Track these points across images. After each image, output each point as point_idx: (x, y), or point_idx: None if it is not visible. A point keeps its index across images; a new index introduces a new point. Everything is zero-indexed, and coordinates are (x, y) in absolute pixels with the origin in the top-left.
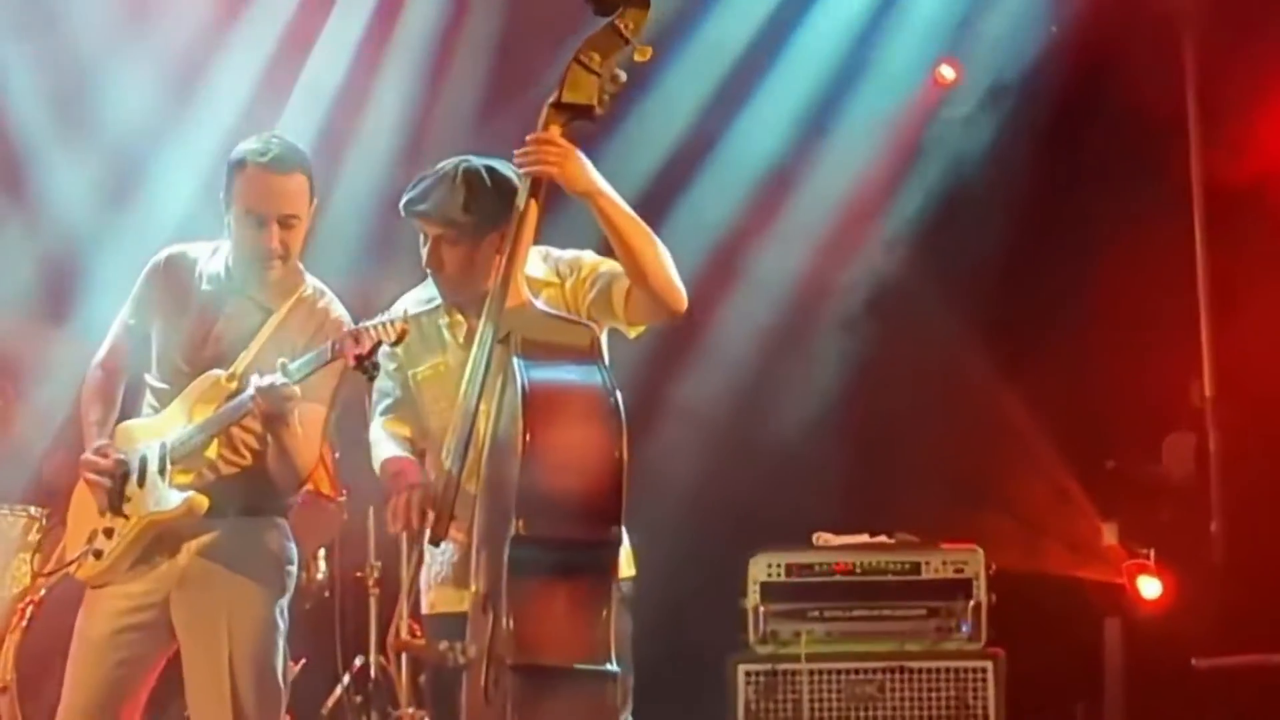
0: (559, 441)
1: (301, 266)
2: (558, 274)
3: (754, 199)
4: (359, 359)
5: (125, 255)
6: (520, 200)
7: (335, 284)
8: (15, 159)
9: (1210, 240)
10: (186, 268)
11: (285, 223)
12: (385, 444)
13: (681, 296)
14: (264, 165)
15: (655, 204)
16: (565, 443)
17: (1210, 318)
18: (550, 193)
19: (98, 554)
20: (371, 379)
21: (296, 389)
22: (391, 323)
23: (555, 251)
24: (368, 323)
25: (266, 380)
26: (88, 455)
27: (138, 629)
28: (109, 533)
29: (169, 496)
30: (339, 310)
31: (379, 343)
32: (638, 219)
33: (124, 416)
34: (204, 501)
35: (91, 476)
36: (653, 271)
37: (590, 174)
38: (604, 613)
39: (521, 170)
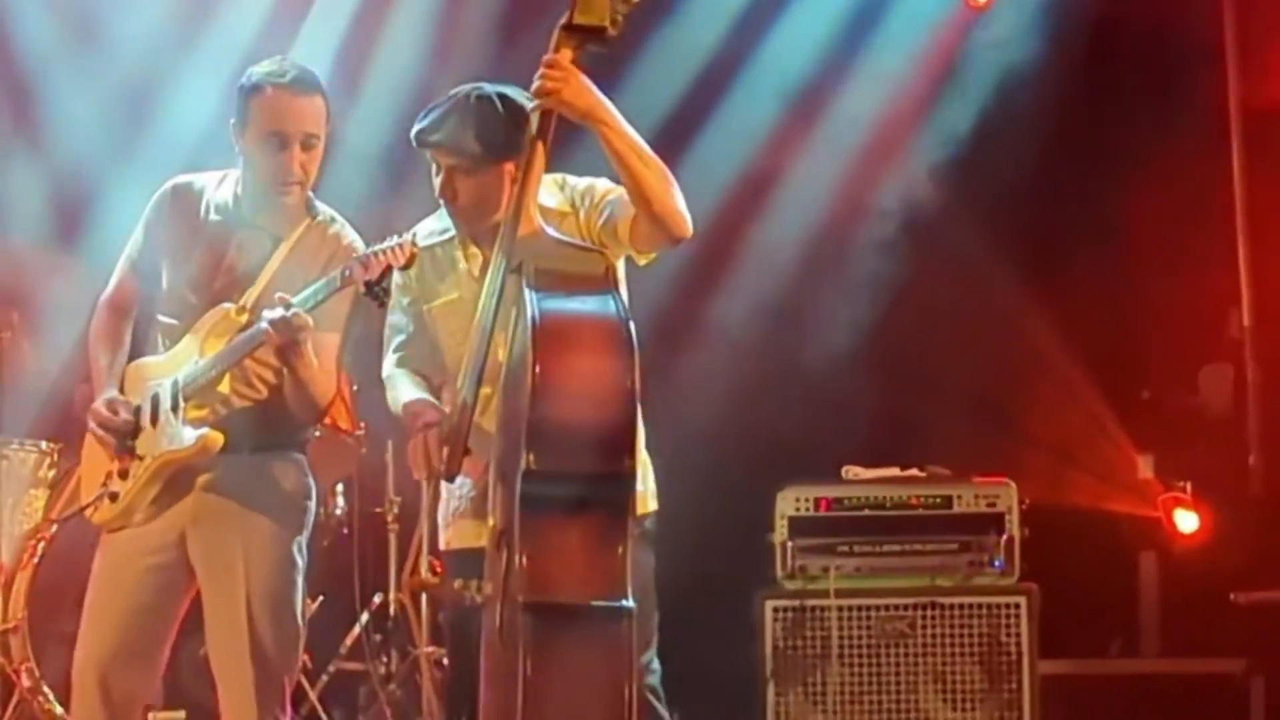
0: (569, 373)
1: (311, 194)
2: (572, 204)
3: (784, 120)
4: (369, 285)
5: (137, 182)
6: (531, 130)
7: (350, 216)
8: (25, 83)
9: (1248, 166)
10: (193, 198)
11: (306, 143)
12: (402, 383)
13: (685, 223)
14: (284, 86)
15: (684, 125)
16: (575, 374)
17: (1249, 246)
18: (560, 122)
19: (113, 496)
20: (382, 305)
21: (309, 319)
22: (400, 246)
23: (571, 179)
24: (377, 247)
25: (278, 312)
26: (96, 407)
27: (156, 571)
28: (124, 474)
29: (183, 434)
30: (351, 235)
31: (389, 267)
32: (642, 144)
33: (135, 354)
34: (219, 438)
35: (98, 432)
36: (656, 198)
37: (592, 97)
38: (619, 548)
39: (530, 108)
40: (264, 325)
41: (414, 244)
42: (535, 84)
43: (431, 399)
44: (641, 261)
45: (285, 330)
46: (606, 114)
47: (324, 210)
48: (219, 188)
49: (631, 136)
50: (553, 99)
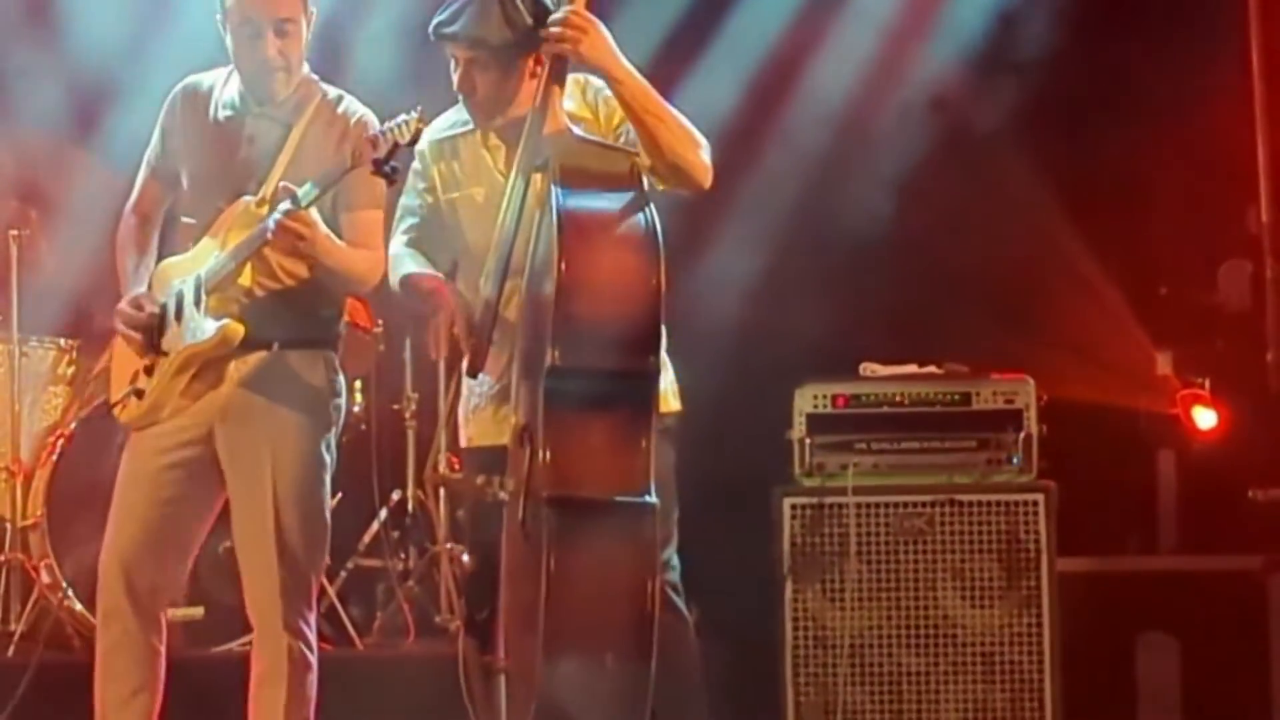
0: (595, 270)
1: (315, 76)
2: (594, 111)
3: (807, 11)
4: (377, 163)
5: (155, 77)
6: (543, 74)
7: (380, 100)
8: None
9: (1267, 58)
10: (203, 97)
11: (280, 29)
12: (409, 262)
13: (704, 175)
14: None
15: (701, 21)
16: (601, 271)
17: (1267, 141)
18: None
19: (139, 394)
20: (392, 183)
21: (310, 219)
22: (406, 123)
23: (595, 82)
24: (384, 126)
25: (280, 210)
26: (121, 305)
27: (183, 466)
28: (150, 370)
29: (205, 326)
30: (359, 110)
31: (396, 144)
32: (657, 99)
33: (161, 257)
34: (239, 329)
35: (123, 329)
36: (671, 152)
37: (608, 52)
38: (643, 444)
39: (543, 49)
40: (269, 224)
41: (420, 120)
42: (552, 31)
43: (444, 279)
44: (661, 187)
45: (287, 233)
46: (621, 69)
47: (330, 90)
48: (227, 85)
49: (645, 91)
50: (568, 48)
